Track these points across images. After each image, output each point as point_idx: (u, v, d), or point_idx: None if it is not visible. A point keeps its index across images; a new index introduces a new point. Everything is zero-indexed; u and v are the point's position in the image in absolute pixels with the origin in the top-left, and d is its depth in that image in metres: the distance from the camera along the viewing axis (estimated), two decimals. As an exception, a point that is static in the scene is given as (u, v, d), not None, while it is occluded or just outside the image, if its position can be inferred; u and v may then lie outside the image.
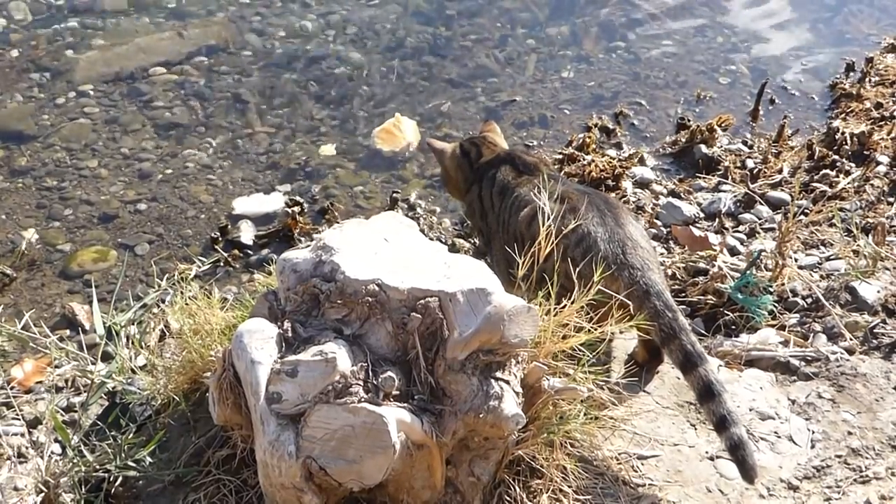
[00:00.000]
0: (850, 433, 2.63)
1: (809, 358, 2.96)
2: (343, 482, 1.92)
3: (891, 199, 3.97)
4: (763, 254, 3.53)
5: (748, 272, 3.35)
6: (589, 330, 2.28)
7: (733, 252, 3.75)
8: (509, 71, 5.10)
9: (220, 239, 3.90)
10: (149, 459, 2.35)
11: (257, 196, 4.12)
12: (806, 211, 3.94)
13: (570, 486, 2.23)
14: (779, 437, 2.59)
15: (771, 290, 3.32)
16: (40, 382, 3.14)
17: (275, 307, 2.16)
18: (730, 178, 4.27)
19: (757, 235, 3.89)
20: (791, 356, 2.98)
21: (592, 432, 2.34)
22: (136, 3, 5.39)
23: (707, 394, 2.39)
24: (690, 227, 3.90)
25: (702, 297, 3.43)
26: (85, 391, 2.88)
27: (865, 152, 4.34)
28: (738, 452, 2.29)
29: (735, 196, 4.13)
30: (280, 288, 2.18)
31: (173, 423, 2.47)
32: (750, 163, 4.39)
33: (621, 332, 2.80)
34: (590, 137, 4.43)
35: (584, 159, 4.25)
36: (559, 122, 4.75)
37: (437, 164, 3.66)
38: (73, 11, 5.27)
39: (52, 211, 4.01)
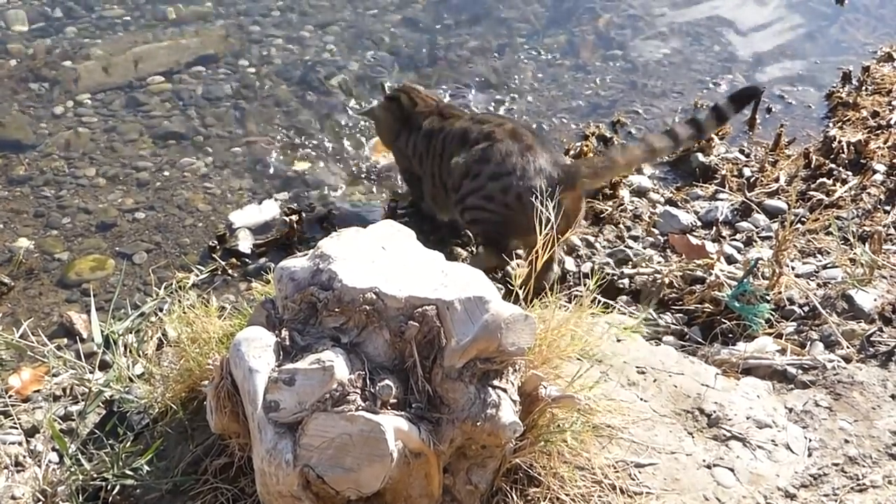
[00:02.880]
0: (847, 441, 2.64)
1: (806, 366, 2.96)
2: (340, 490, 1.92)
3: (887, 208, 3.98)
4: (760, 262, 3.54)
5: (745, 280, 3.36)
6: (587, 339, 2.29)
7: (730, 260, 3.75)
8: (507, 79, 5.11)
9: (218, 247, 3.90)
10: (146, 468, 2.35)
11: (251, 207, 4.11)
12: (803, 219, 3.94)
13: (567, 495, 2.23)
14: (776, 445, 2.60)
15: (768, 298, 3.33)
16: (38, 391, 3.14)
17: (272, 315, 2.16)
18: (727, 186, 4.28)
19: (754, 244, 3.89)
20: (788, 364, 2.98)
21: (590, 440, 2.35)
22: (135, 13, 5.40)
23: None
24: (687, 235, 3.91)
25: (699, 306, 3.44)
26: (82, 400, 2.88)
27: (862, 161, 4.35)
28: None
29: (732, 204, 4.14)
30: (278, 296, 2.19)
31: (171, 432, 2.47)
32: (747, 171, 4.40)
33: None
34: (587, 146, 4.44)
35: (581, 168, 4.26)
36: (557, 130, 4.76)
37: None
38: (72, 21, 5.28)
39: (49, 219, 4.01)
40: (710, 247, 3.76)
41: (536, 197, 2.57)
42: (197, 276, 3.54)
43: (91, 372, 2.73)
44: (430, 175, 3.75)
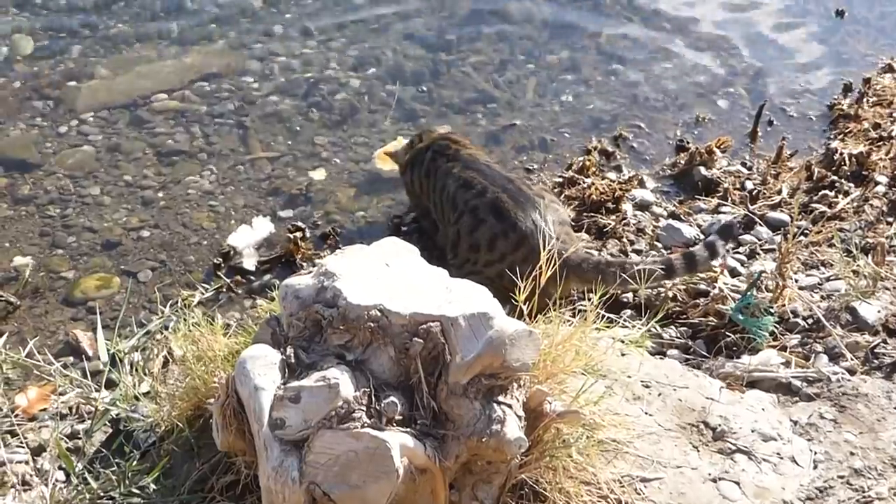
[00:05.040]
0: (852, 454, 2.63)
1: (811, 378, 2.97)
2: (347, 507, 1.92)
3: (890, 219, 3.98)
4: (763, 275, 3.54)
5: (749, 293, 3.36)
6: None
7: (734, 273, 3.75)
8: (509, 95, 5.13)
9: (223, 265, 3.91)
10: (153, 486, 2.35)
11: (244, 228, 4.10)
12: (805, 231, 3.95)
13: (573, 510, 2.23)
14: (781, 458, 2.60)
15: (772, 310, 3.33)
16: (44, 410, 3.14)
17: (277, 333, 2.17)
18: (729, 199, 4.28)
19: (757, 256, 3.90)
20: (793, 377, 2.98)
21: (595, 455, 2.35)
22: (138, 32, 5.43)
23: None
24: (691, 248, 3.91)
25: (703, 319, 3.45)
26: (89, 418, 2.88)
27: (864, 172, 4.35)
28: None
29: (735, 217, 4.14)
30: (283, 314, 2.19)
31: (177, 450, 2.48)
32: (749, 184, 4.40)
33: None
34: (589, 160, 4.45)
35: (584, 182, 4.27)
36: (559, 145, 4.77)
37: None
38: (76, 40, 5.31)
39: (55, 238, 4.02)
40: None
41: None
42: (202, 293, 3.56)
43: (97, 390, 2.75)
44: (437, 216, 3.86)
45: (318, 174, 4.48)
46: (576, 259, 3.31)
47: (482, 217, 3.48)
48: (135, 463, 2.41)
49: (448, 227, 3.65)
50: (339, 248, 2.36)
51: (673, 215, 4.23)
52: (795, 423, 2.75)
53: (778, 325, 3.30)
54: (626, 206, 4.20)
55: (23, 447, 2.86)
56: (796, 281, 3.60)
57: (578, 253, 3.39)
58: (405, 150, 4.13)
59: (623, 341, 2.83)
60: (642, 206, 4.27)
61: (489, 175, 3.62)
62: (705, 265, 3.54)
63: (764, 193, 4.32)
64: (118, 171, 4.43)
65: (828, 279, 3.63)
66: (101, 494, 2.37)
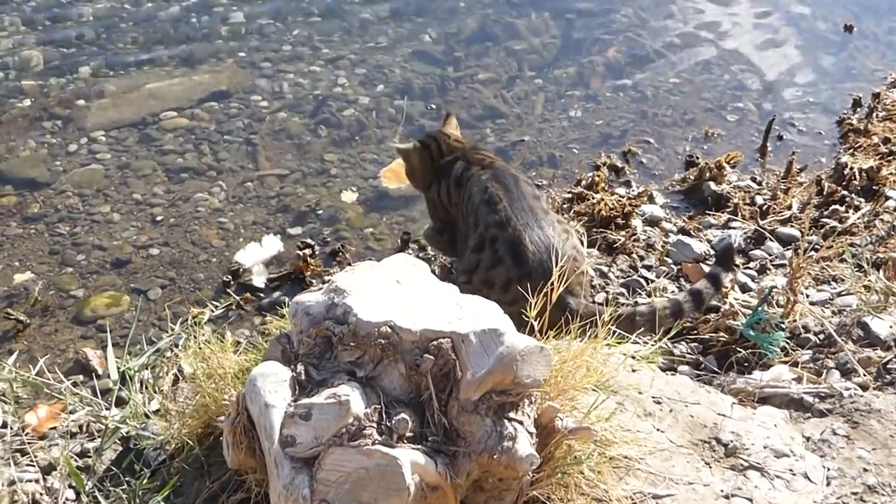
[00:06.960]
0: (865, 470, 2.61)
1: (823, 394, 2.95)
2: (358, 525, 1.91)
3: (901, 234, 3.98)
4: (774, 290, 3.53)
5: (760, 309, 3.35)
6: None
7: (744, 289, 3.75)
8: (518, 111, 5.14)
9: (232, 282, 3.91)
10: (163, 505, 2.35)
11: (253, 245, 4.10)
12: (816, 247, 3.94)
13: (585, 527, 2.22)
14: (794, 474, 2.58)
15: (783, 326, 3.32)
16: (54, 428, 3.13)
17: (288, 350, 2.16)
18: (739, 214, 4.28)
19: (768, 272, 3.89)
20: (805, 393, 2.96)
21: (607, 472, 2.33)
22: (148, 50, 5.45)
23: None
24: (701, 264, 3.90)
25: (714, 335, 3.43)
26: (99, 437, 2.88)
27: (874, 187, 4.35)
28: None
29: (745, 233, 4.14)
30: (293, 331, 2.19)
31: (187, 468, 2.47)
32: (759, 199, 4.40)
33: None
34: (599, 176, 4.45)
35: (593, 198, 4.27)
36: (568, 161, 4.77)
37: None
38: (85, 59, 5.33)
39: (64, 257, 4.03)
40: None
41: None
42: (212, 311, 3.56)
43: (107, 408, 2.74)
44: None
45: (327, 191, 4.48)
46: (586, 314, 3.23)
47: (501, 256, 3.31)
48: (145, 481, 2.40)
49: (467, 250, 3.49)
50: (349, 265, 2.35)
51: (682, 231, 4.22)
52: (808, 439, 2.73)
53: (789, 341, 3.29)
54: (636, 222, 4.20)
55: (33, 466, 2.86)
56: (807, 296, 3.59)
57: (588, 308, 3.31)
58: (416, 150, 3.79)
59: (634, 357, 2.81)
60: (652, 222, 4.27)
61: (515, 199, 3.40)
62: (713, 299, 3.50)
63: (774, 208, 4.31)
64: (127, 188, 4.44)
65: (839, 294, 3.62)
66: (111, 513, 2.37)
